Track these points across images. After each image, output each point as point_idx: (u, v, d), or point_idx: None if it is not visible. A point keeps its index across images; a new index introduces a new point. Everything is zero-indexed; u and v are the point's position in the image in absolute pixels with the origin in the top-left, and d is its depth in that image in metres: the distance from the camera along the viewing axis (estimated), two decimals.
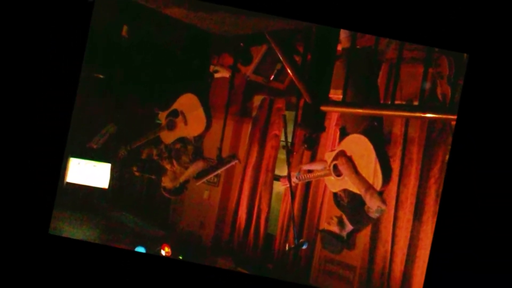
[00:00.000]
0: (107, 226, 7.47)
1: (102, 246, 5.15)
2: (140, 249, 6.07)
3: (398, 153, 5.79)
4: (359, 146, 4.70)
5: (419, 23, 4.21)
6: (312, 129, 5.21)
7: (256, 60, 6.20)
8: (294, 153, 6.43)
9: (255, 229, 7.42)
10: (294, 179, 5.14)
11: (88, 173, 6.64)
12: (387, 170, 4.66)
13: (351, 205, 4.76)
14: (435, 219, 5.15)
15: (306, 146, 5.36)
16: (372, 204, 4.58)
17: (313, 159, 6.43)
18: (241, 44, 6.02)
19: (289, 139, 5.94)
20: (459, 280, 4.03)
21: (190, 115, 5.84)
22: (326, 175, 4.93)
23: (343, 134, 4.93)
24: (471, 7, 4.14)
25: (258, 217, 7.42)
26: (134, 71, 6.09)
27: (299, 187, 6.75)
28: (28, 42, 4.20)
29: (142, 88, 6.09)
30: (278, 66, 6.28)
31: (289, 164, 5.16)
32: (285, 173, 5.21)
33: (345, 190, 4.80)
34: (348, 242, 4.93)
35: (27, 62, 4.22)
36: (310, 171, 5.18)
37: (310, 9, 4.27)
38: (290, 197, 5.46)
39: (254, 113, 7.67)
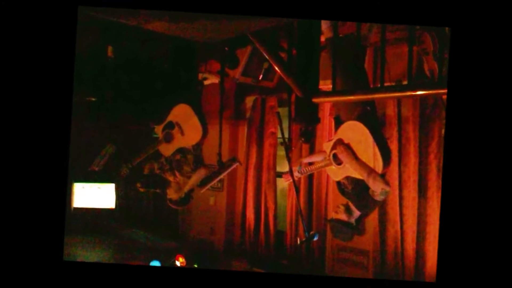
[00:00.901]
0: (120, 245, 7.52)
1: (117, 266, 5.17)
2: (155, 263, 6.11)
3: (395, 133, 5.83)
4: (356, 132, 4.71)
5: (397, 3, 4.23)
6: (307, 122, 5.23)
7: (242, 62, 6.23)
8: (293, 148, 6.42)
9: (265, 228, 7.45)
10: (296, 174, 5.14)
11: (93, 195, 6.68)
12: (386, 152, 4.67)
13: (356, 191, 4.77)
14: (439, 194, 5.18)
15: (303, 139, 5.36)
16: (376, 187, 4.59)
17: (312, 151, 6.48)
18: (226, 48, 6.03)
19: (286, 135, 5.92)
20: (472, 251, 4.05)
21: (186, 125, 5.86)
22: (327, 165, 4.95)
23: (338, 122, 4.93)
24: None
25: (266, 215, 7.46)
26: (124, 89, 6.12)
27: (302, 180, 6.79)
28: (16, 75, 4.22)
29: (135, 105, 6.12)
30: (265, 65, 6.31)
31: (289, 159, 5.16)
32: (286, 168, 5.21)
33: (347, 178, 4.81)
34: (358, 228, 4.92)
35: (18, 94, 4.24)
36: (311, 164, 5.19)
37: (289, 5, 4.29)
38: (294, 192, 5.46)
39: (248, 114, 7.72)
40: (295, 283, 4.44)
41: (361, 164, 4.65)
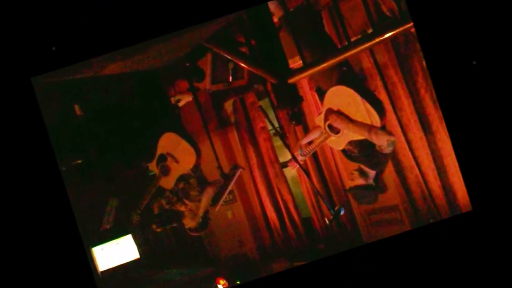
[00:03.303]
0: None
1: None
2: None
3: (379, 83, 5.78)
4: (341, 97, 4.68)
5: None
6: (291, 104, 5.19)
7: (208, 71, 6.15)
8: (287, 134, 6.42)
9: (290, 221, 7.39)
10: (300, 158, 5.11)
11: (115, 253, 6.61)
12: (378, 104, 4.64)
13: (363, 153, 4.74)
14: (443, 123, 5.14)
15: (294, 122, 5.32)
16: (381, 141, 4.56)
17: (306, 130, 6.41)
18: (187, 64, 5.98)
19: (276, 124, 5.91)
20: (495, 167, 3.99)
21: (177, 152, 5.79)
22: (326, 138, 4.90)
23: (321, 93, 4.90)
24: None
25: (287, 208, 7.40)
26: (105, 140, 6.04)
27: (308, 162, 6.74)
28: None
29: (121, 151, 6.04)
30: (231, 66, 6.23)
31: (288, 146, 5.13)
32: (288, 156, 5.19)
33: (350, 142, 4.77)
34: (379, 186, 4.92)
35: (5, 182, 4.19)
36: (310, 143, 5.14)
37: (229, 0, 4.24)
38: (305, 176, 5.45)
39: (232, 119, 7.66)
40: (340, 262, 4.38)
41: (358, 124, 4.62)
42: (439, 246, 4.15)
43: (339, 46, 5.20)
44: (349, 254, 4.51)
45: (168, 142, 5.82)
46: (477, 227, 4.08)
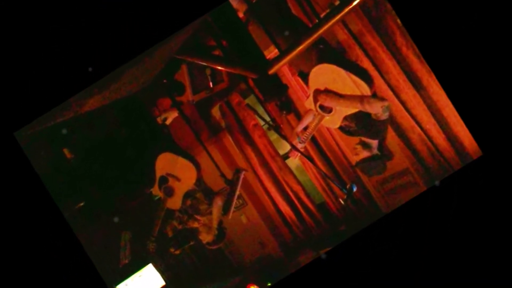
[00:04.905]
0: None
1: None
2: None
3: (359, 52, 5.77)
4: (325, 75, 4.60)
5: None
6: (277, 95, 5.12)
7: (187, 83, 6.10)
8: (281, 126, 6.40)
9: (305, 210, 7.36)
10: (299, 146, 5.06)
11: (140, 286, 6.58)
12: (363, 73, 4.58)
13: (361, 125, 4.68)
14: (433, 76, 5.11)
15: (285, 112, 5.28)
16: (376, 109, 4.49)
17: (299, 117, 6.35)
18: (164, 80, 5.92)
19: (267, 118, 5.87)
20: (495, 105, 3.91)
21: (177, 170, 5.71)
22: (320, 120, 4.83)
23: (304, 76, 4.83)
24: None
25: (299, 198, 7.37)
26: (102, 176, 5.97)
27: (308, 147, 6.74)
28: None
29: (120, 183, 5.96)
30: (208, 71, 6.18)
31: (284, 137, 5.09)
32: (288, 147, 5.16)
33: (346, 118, 4.71)
34: (385, 154, 4.88)
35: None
36: (306, 128, 5.08)
37: (188, 7, 4.15)
38: (309, 162, 5.40)
39: (223, 124, 7.62)
40: (366, 239, 4.31)
41: (348, 98, 4.56)
42: (452, 199, 4.07)
43: (310, 25, 5.14)
44: (372, 228, 4.45)
45: (165, 163, 5.74)
46: (492, 170, 3.99)
